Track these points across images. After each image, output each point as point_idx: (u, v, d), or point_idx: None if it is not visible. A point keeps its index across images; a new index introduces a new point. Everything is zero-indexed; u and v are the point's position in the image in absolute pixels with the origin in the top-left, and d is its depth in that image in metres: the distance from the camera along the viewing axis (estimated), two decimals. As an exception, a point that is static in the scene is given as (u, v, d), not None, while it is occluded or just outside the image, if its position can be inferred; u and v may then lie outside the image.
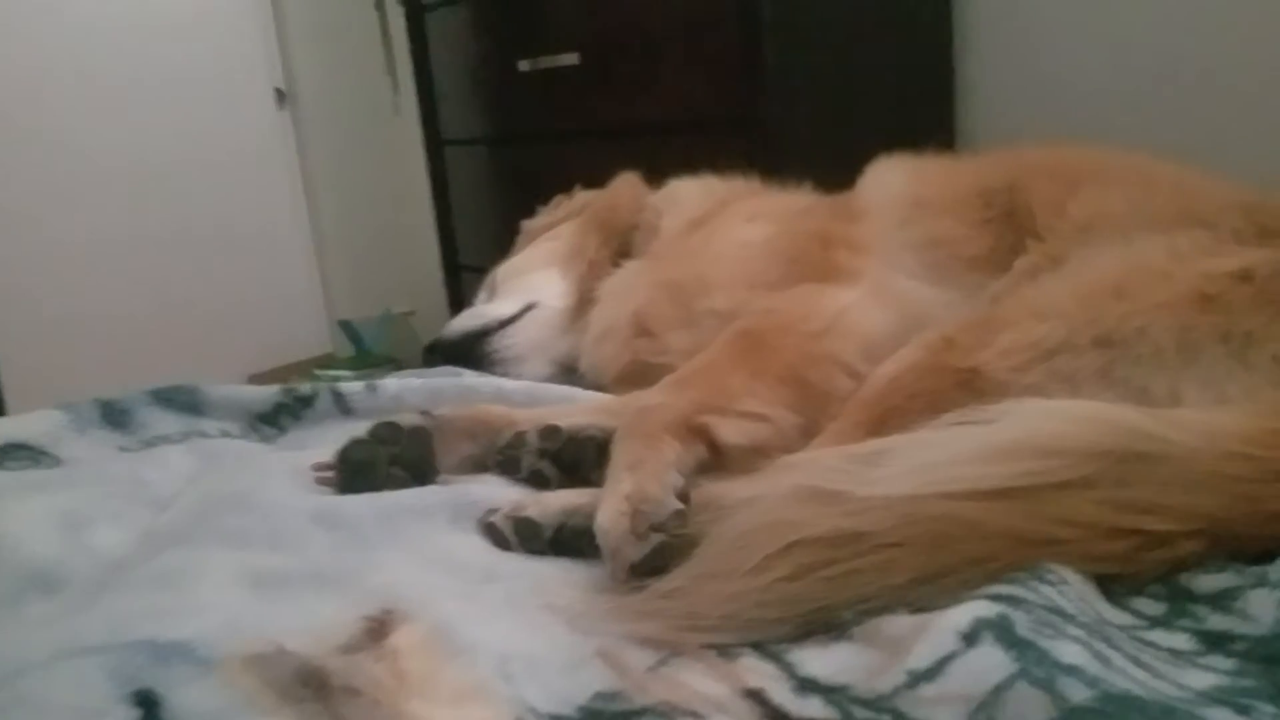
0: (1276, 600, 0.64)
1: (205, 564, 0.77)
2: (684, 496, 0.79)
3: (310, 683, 0.62)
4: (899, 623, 0.64)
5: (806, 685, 0.62)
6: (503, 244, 1.73)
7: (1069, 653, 0.56)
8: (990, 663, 0.56)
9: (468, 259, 2.83)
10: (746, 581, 0.68)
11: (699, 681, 0.64)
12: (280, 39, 3.53)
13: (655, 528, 0.75)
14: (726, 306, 1.14)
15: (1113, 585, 0.69)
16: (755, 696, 0.61)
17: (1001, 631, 0.58)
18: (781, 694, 0.61)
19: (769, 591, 0.68)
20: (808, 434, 0.95)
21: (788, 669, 0.64)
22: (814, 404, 0.97)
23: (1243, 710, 0.54)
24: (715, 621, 0.68)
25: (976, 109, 2.30)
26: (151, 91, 3.20)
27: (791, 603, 0.67)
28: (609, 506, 0.79)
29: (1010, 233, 1.09)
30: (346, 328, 3.46)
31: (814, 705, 0.60)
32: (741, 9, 1.89)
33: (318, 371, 3.36)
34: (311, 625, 0.67)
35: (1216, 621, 0.65)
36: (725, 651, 0.67)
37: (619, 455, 0.85)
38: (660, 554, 0.75)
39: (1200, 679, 0.59)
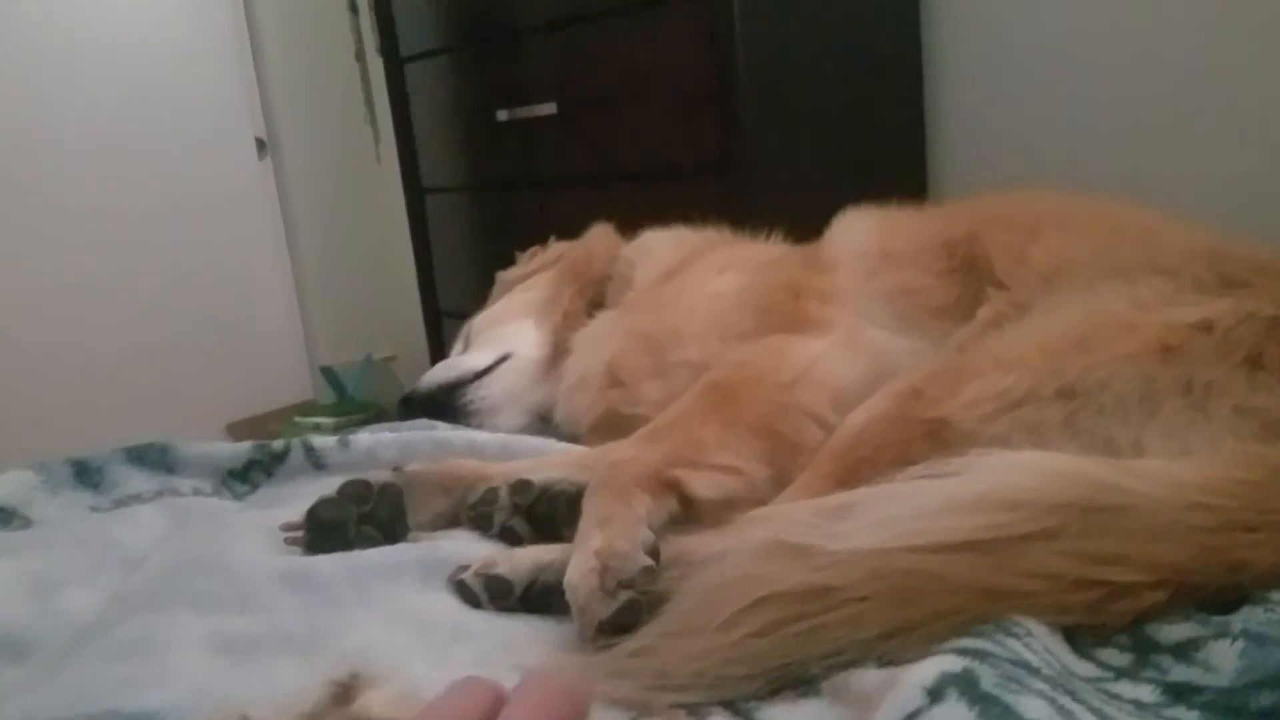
0: (1238, 651, 0.64)
1: (173, 629, 0.76)
2: (654, 553, 0.78)
3: (272, 753, 0.61)
4: (867, 678, 0.64)
5: (772, 746, 0.61)
6: (482, 290, 1.74)
7: (1033, 708, 0.56)
8: (955, 719, 0.56)
9: (448, 305, 2.84)
10: (715, 638, 0.68)
11: (668, 743, 0.63)
12: (261, 89, 3.55)
13: (624, 584, 0.75)
14: (698, 357, 1.15)
15: (1079, 636, 0.70)
16: (721, 758, 0.61)
17: (966, 687, 0.58)
18: (749, 754, 0.61)
19: (738, 648, 0.67)
20: (779, 484, 0.95)
21: (755, 727, 0.64)
22: (785, 455, 0.97)
23: (1205, 764, 0.54)
24: (684, 680, 0.67)
25: (947, 156, 2.33)
26: (133, 141, 3.22)
27: (760, 659, 0.67)
28: (578, 563, 0.78)
29: (974, 282, 1.10)
30: (328, 374, 3.46)
31: (780, 765, 0.59)
32: (716, 58, 1.92)
33: (299, 418, 3.36)
34: (277, 692, 0.66)
35: (1180, 673, 0.65)
36: (695, 711, 0.66)
37: (590, 510, 0.85)
38: (629, 611, 0.74)
39: (1165, 732, 0.59)
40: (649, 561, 0.77)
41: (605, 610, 0.75)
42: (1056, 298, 0.99)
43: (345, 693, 0.67)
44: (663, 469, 0.91)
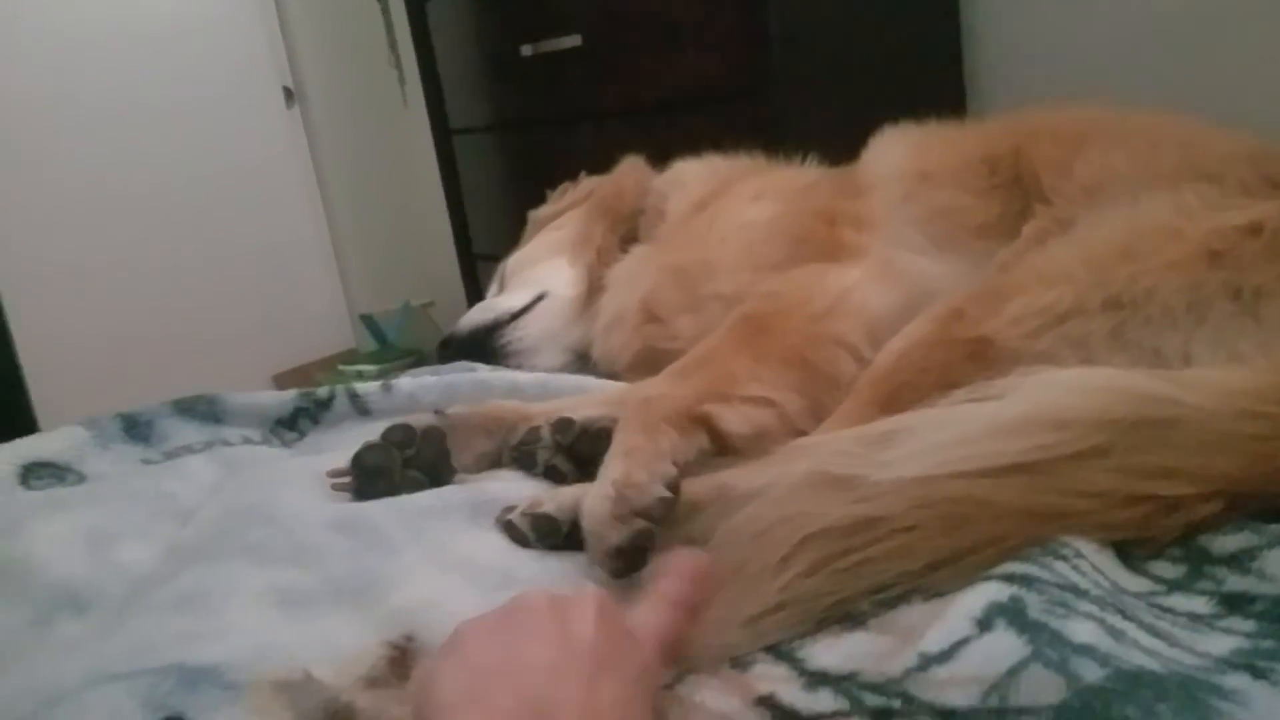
0: (1294, 559, 0.63)
1: (229, 582, 0.78)
2: (674, 487, 0.78)
3: (338, 718, 0.62)
4: (914, 611, 0.64)
5: (816, 679, 0.61)
6: (515, 231, 1.73)
7: (1082, 631, 0.56)
8: (1003, 647, 0.55)
9: (482, 248, 2.83)
10: (765, 586, 0.66)
11: (713, 699, 0.62)
12: (286, 37, 3.53)
13: (637, 513, 0.75)
14: (731, 289, 1.13)
15: (1130, 550, 0.69)
16: (766, 702, 0.60)
17: (1014, 615, 0.57)
18: (791, 694, 0.60)
19: (787, 591, 0.66)
20: (813, 417, 0.94)
21: (798, 665, 0.63)
22: (818, 387, 0.96)
23: (1260, 674, 0.53)
24: (737, 638, 0.66)
25: (986, 74, 2.27)
26: (162, 98, 3.21)
27: (809, 599, 0.66)
28: (597, 490, 0.79)
29: (1017, 198, 1.07)
30: (368, 322, 3.48)
31: (824, 699, 0.59)
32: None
33: (342, 367, 3.39)
34: (336, 652, 0.67)
35: (1235, 583, 0.64)
36: (739, 662, 0.65)
37: (616, 443, 0.85)
38: (639, 538, 0.75)
39: (1219, 643, 0.58)
40: (666, 493, 0.77)
41: (616, 536, 0.75)
42: (1100, 211, 0.96)
43: (400, 658, 0.67)
44: (693, 405, 0.90)
